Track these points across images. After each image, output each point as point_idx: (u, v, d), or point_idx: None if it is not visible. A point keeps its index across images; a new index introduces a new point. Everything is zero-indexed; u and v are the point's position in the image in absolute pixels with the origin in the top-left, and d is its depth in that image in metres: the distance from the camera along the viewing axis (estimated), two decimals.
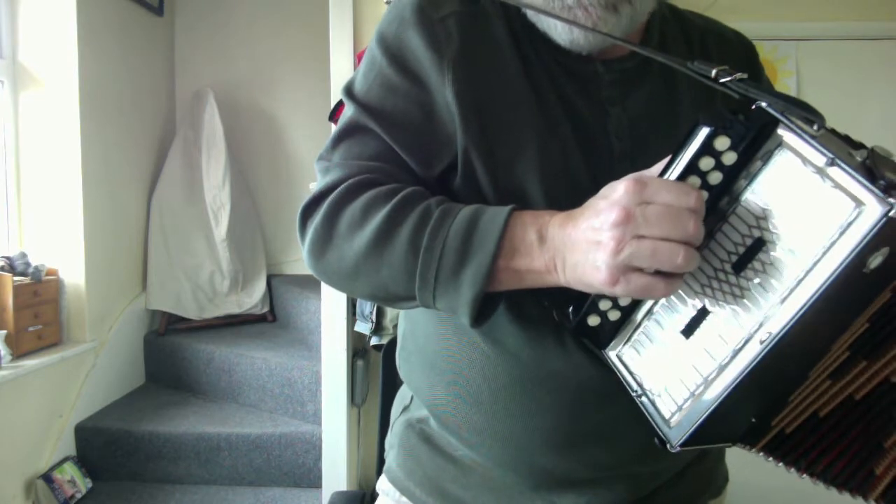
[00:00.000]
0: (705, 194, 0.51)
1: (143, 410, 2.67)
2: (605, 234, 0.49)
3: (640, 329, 0.59)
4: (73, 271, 2.51)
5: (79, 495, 2.34)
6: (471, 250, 0.56)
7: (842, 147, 0.47)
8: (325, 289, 2.02)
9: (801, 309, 0.45)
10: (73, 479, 2.35)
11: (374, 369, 2.10)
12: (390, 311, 1.92)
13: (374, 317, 1.92)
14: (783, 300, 0.47)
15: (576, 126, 0.66)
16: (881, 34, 2.29)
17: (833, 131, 0.49)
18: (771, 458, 0.55)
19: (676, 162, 0.51)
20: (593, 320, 0.60)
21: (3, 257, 2.32)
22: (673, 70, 0.60)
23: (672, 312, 0.56)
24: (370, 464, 2.12)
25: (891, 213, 0.41)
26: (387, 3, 1.98)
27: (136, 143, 2.99)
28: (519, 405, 0.67)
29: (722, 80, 0.53)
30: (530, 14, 0.67)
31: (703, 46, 0.74)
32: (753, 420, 0.52)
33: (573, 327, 0.61)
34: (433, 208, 0.60)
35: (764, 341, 0.47)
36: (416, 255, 0.58)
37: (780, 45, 2.29)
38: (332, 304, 2.02)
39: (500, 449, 0.70)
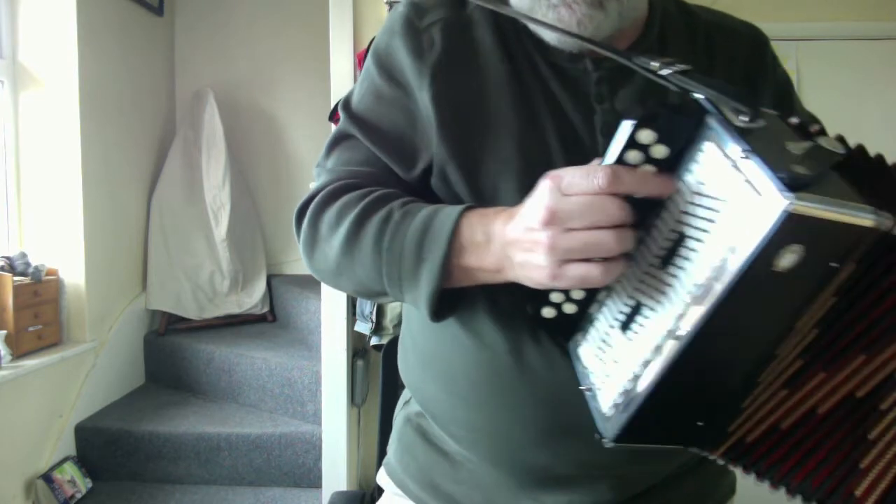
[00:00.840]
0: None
1: (143, 410, 2.67)
2: (539, 234, 0.51)
3: (594, 323, 0.59)
4: (73, 271, 2.51)
5: (79, 495, 2.34)
6: (424, 250, 0.59)
7: (780, 138, 0.44)
8: (325, 289, 2.02)
9: (711, 307, 0.44)
10: (73, 479, 2.35)
11: (374, 369, 2.10)
12: (390, 311, 1.92)
13: (374, 317, 1.92)
14: (695, 298, 0.45)
15: (561, 125, 0.66)
16: (881, 34, 2.29)
17: (800, 125, 0.47)
18: (735, 467, 0.54)
19: (604, 157, 0.51)
20: (548, 312, 0.61)
21: (3, 257, 2.32)
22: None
23: (616, 307, 0.55)
24: (370, 464, 2.12)
25: (790, 209, 0.38)
26: (387, 3, 1.98)
27: (136, 143, 2.99)
28: (500, 399, 0.68)
29: (662, 73, 0.51)
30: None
31: (708, 42, 0.74)
32: (700, 424, 0.50)
33: (530, 320, 0.62)
34: (395, 210, 0.63)
35: (680, 338, 0.46)
36: (380, 255, 0.62)
37: (780, 45, 2.27)
38: (332, 304, 2.02)
39: (485, 444, 0.71)
